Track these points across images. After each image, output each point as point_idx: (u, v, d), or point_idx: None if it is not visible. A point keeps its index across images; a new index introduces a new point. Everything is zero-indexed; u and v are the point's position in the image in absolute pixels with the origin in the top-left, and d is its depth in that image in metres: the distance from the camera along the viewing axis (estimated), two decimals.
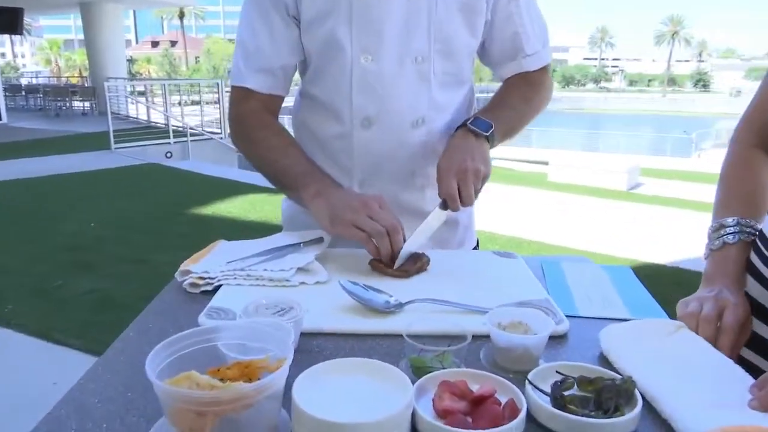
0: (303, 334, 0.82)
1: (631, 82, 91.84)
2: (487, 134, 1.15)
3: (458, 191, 1.08)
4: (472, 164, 1.10)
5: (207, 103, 14.11)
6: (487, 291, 0.99)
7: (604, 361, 0.78)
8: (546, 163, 13.30)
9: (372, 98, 1.17)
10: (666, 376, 0.72)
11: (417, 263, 1.07)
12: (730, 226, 0.95)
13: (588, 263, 1.22)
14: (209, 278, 1.00)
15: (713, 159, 14.52)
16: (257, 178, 9.25)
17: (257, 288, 0.99)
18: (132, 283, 4.41)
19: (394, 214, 1.08)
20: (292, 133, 1.32)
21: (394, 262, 1.06)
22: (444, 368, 0.69)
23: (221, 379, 0.56)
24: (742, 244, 0.93)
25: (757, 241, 0.93)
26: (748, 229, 0.94)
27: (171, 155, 11.38)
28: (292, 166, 1.18)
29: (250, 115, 1.26)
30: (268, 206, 6.91)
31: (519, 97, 1.27)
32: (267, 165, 1.23)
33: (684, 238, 6.00)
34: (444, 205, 1.10)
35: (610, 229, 6.66)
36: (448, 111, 1.24)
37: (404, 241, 1.07)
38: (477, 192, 1.11)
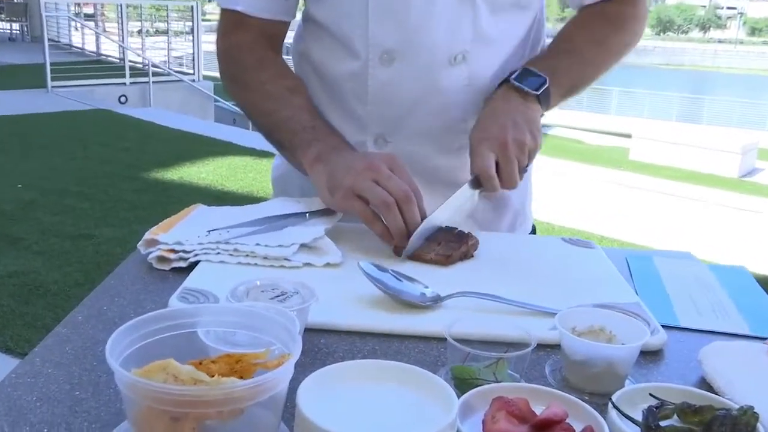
0: (307, 330, 0.82)
1: (753, 31, 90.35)
2: (538, 94, 1.14)
3: (497, 168, 1.08)
4: (516, 134, 1.09)
5: (177, 33, 14.13)
6: (554, 287, 0.99)
7: (710, 387, 0.78)
8: (628, 136, 13.21)
9: (395, 25, 1.16)
10: None
11: (462, 246, 1.07)
12: None
13: (689, 260, 1.21)
14: (183, 251, 1.01)
15: None
16: (239, 136, 9.28)
17: (247, 268, 1.00)
18: (69, 265, 4.47)
19: (411, 179, 1.08)
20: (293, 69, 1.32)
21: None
22: (498, 382, 0.69)
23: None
24: None
25: None
26: None
27: (126, 100, 11.46)
28: (290, 119, 1.18)
29: (243, 48, 1.26)
30: (253, 173, 6.95)
31: (590, 38, 1.24)
32: (261, 117, 1.23)
33: None
34: (476, 184, 1.10)
35: (714, 228, 6.61)
36: (500, 46, 1.23)
37: (422, 217, 1.07)
38: (522, 170, 1.10)
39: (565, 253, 1.15)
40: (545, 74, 1.15)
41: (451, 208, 1.11)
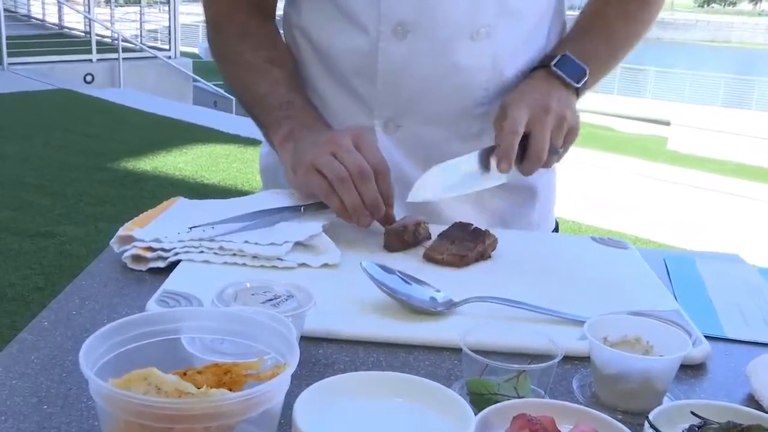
0: (303, 339, 0.83)
1: None
2: (578, 85, 1.19)
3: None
4: (558, 107, 1.13)
5: (151, 3, 14.15)
6: (583, 291, 1.00)
7: (758, 405, 0.79)
8: (666, 124, 13.21)
9: None
10: None
11: (478, 245, 1.08)
12: None
13: (737, 263, 1.22)
14: (162, 250, 1.02)
15: None
16: (222, 121, 9.29)
17: (234, 268, 1.01)
18: (27, 268, 4.48)
19: (377, 153, 1.11)
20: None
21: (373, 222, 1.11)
22: (520, 398, 0.70)
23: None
24: None
25: None
26: None
27: (92, 79, 11.48)
28: (267, 95, 1.22)
29: (226, 17, 1.30)
30: (238, 164, 6.96)
31: (621, 13, 1.29)
32: (241, 92, 1.28)
33: None
34: (485, 159, 1.13)
35: (764, 227, 6.60)
36: (525, 21, 1.25)
37: (385, 193, 1.10)
38: (557, 152, 1.14)
39: (595, 253, 1.16)
40: (583, 62, 1.20)
41: (450, 175, 1.13)
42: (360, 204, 1.08)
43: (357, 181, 1.08)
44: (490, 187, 1.15)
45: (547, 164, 1.14)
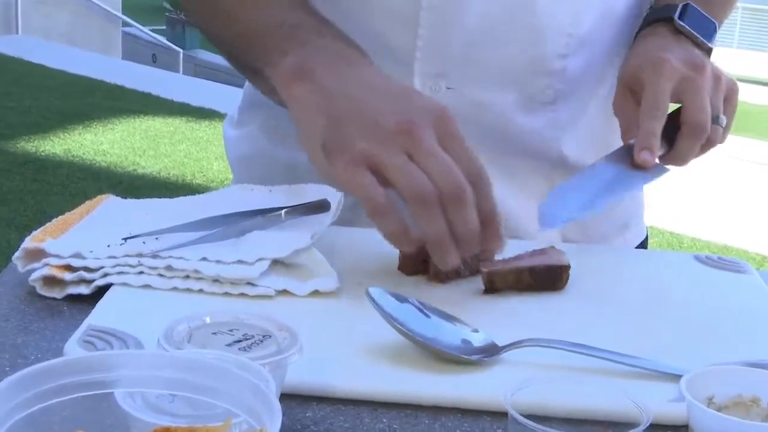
0: (286, 396, 0.84)
1: None
2: (711, 46, 1.24)
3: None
4: (709, 64, 1.18)
5: None
6: (681, 333, 1.02)
7: None
8: None
9: None
10: None
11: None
12: None
13: None
14: (86, 269, 1.04)
15: None
16: (164, 83, 9.22)
17: (188, 296, 1.03)
18: None
19: (469, 152, 1.02)
20: None
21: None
22: None
23: None
24: None
25: None
26: None
27: None
28: (257, 20, 1.17)
29: None
30: (186, 144, 6.96)
31: None
32: (219, 28, 1.26)
33: None
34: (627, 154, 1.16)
35: None
36: None
37: (490, 215, 1.05)
38: (720, 122, 1.17)
39: (699, 279, 1.18)
40: (711, 16, 1.25)
41: (586, 185, 1.16)
42: (447, 236, 0.98)
43: (449, 203, 0.97)
44: (639, 190, 1.18)
45: (711, 143, 1.18)
